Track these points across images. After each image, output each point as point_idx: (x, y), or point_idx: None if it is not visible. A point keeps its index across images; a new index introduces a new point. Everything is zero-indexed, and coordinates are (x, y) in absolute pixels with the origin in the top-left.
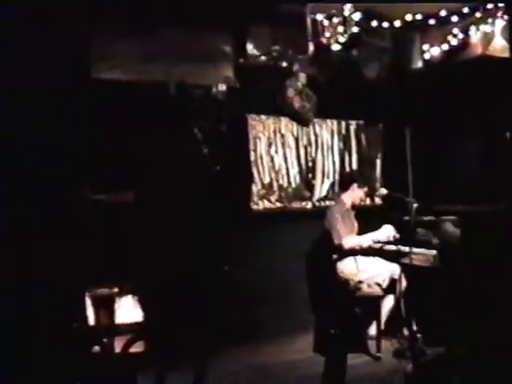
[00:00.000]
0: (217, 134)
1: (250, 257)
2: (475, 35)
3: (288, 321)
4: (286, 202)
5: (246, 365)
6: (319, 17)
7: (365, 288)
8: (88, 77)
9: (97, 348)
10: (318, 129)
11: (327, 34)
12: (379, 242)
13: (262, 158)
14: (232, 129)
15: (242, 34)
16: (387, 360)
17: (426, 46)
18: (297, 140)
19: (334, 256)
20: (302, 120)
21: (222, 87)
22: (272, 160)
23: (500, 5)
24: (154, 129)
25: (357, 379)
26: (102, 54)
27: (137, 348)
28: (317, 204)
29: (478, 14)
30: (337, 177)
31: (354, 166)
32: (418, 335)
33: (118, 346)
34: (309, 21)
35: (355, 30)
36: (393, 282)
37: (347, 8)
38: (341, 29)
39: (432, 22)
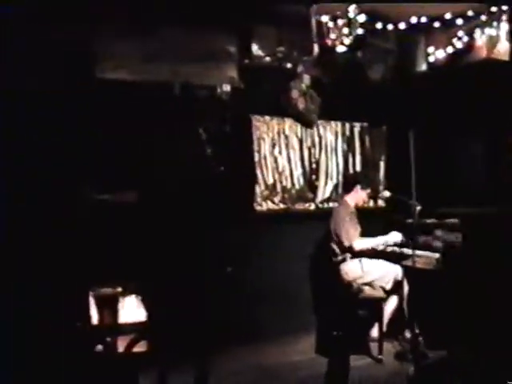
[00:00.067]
0: (221, 134)
1: (253, 258)
2: (480, 38)
3: (290, 322)
4: (289, 203)
5: (248, 365)
6: (324, 18)
7: (367, 290)
8: (92, 77)
9: (100, 347)
10: (322, 130)
11: (332, 36)
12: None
13: (265, 158)
14: (236, 129)
15: (247, 34)
16: (389, 362)
17: (430, 49)
18: (301, 141)
19: (339, 258)
20: (306, 121)
21: (227, 88)
22: (276, 161)
23: (505, 8)
24: (158, 129)
25: (359, 381)
26: (107, 54)
27: (140, 348)
28: (320, 205)
29: (483, 17)
30: (340, 178)
31: (358, 167)
32: (420, 338)
33: (121, 346)
34: (314, 22)
35: (360, 31)
36: (396, 284)
37: (352, 10)
38: (346, 30)
39: (437, 24)
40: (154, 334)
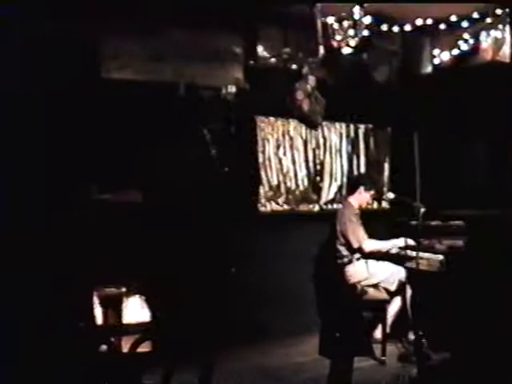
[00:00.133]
0: (225, 135)
1: (257, 258)
2: (486, 41)
3: (293, 323)
4: (293, 204)
5: (251, 366)
6: (330, 20)
7: (371, 292)
8: (96, 76)
9: (104, 347)
10: (326, 132)
11: (337, 37)
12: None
13: (270, 160)
14: (241, 130)
15: (253, 35)
16: (392, 364)
17: (435, 51)
18: (305, 143)
19: (345, 260)
20: (310, 122)
21: (232, 89)
22: (280, 162)
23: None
24: (163, 129)
25: (362, 383)
26: (112, 54)
27: (144, 348)
28: (324, 207)
29: (488, 20)
30: (345, 180)
31: (362, 169)
32: (423, 340)
33: (125, 346)
34: (319, 23)
35: (365, 33)
36: (400, 286)
37: (358, 11)
38: (351, 32)
39: (442, 26)
40: (158, 334)
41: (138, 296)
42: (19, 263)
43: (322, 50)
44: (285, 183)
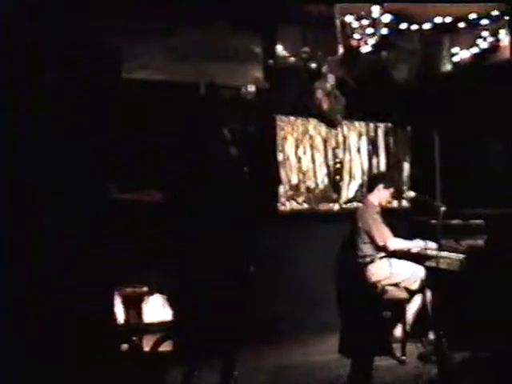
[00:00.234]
0: (245, 134)
1: (276, 257)
2: (505, 38)
3: (312, 322)
4: (313, 203)
5: (271, 365)
6: (349, 18)
7: (391, 291)
8: (118, 76)
9: (126, 346)
10: (346, 130)
11: (356, 36)
12: None
13: (289, 159)
14: (260, 130)
15: (272, 35)
16: (412, 363)
17: (455, 49)
18: (325, 141)
19: (367, 259)
20: (330, 121)
21: (252, 88)
22: (300, 161)
23: None
24: (183, 129)
25: (381, 382)
26: (132, 54)
27: (166, 347)
28: (344, 206)
29: (507, 17)
30: (365, 179)
31: (382, 168)
32: (444, 339)
33: (147, 345)
34: (338, 22)
35: (384, 31)
36: (420, 285)
37: (377, 10)
38: (370, 30)
39: (461, 24)
40: (179, 333)
41: (159, 295)
42: (39, 264)
43: (341, 48)
44: (304, 182)
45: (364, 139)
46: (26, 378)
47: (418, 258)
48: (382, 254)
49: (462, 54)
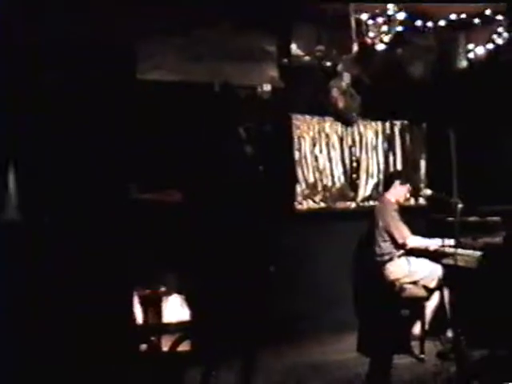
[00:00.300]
0: (261, 134)
1: (294, 256)
2: None
3: (330, 320)
4: (330, 201)
5: (290, 363)
6: (363, 16)
7: (409, 289)
8: (133, 77)
9: (144, 346)
10: (362, 129)
11: (371, 34)
12: None
13: (306, 157)
14: (276, 129)
15: (287, 34)
16: (430, 361)
17: (470, 46)
18: (341, 140)
19: (385, 257)
20: (346, 120)
21: (267, 87)
22: (316, 160)
23: None
24: (199, 129)
25: (400, 380)
26: (146, 54)
27: (184, 347)
28: (361, 204)
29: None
30: (381, 177)
31: (398, 166)
32: (462, 337)
33: (165, 345)
34: (353, 20)
35: (399, 29)
36: (438, 283)
37: (391, 7)
38: (385, 28)
39: (477, 21)
40: (198, 333)
41: (177, 295)
42: (59, 263)
43: (355, 46)
44: (321, 181)
45: (380, 137)
46: (42, 379)
47: (435, 255)
48: (401, 252)
49: (477, 51)
